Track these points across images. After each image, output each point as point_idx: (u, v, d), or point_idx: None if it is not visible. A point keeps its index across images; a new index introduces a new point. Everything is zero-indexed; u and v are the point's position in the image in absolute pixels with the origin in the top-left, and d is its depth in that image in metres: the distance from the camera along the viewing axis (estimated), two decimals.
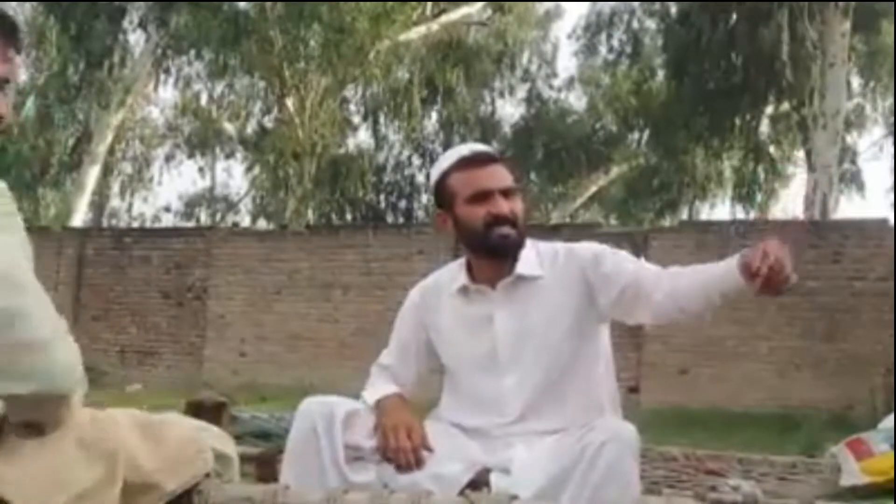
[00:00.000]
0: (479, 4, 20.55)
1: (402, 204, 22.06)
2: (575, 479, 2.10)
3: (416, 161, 22.31)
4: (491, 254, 2.50)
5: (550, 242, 2.61)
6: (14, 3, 17.09)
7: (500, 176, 2.49)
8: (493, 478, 2.26)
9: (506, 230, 2.45)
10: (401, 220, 21.00)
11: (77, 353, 1.50)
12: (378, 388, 2.59)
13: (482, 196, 2.46)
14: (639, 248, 10.92)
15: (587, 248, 2.53)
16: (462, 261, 2.60)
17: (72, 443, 1.53)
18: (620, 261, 2.47)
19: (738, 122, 16.72)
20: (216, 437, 1.83)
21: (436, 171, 2.58)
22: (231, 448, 1.85)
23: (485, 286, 2.53)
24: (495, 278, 2.51)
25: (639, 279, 2.41)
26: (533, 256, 2.53)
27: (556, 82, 23.75)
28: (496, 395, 2.46)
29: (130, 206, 24.63)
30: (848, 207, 28.89)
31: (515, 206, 2.47)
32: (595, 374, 2.49)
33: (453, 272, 2.60)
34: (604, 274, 2.45)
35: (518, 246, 2.49)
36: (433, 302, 2.62)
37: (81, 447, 1.52)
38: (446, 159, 2.56)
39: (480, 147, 2.62)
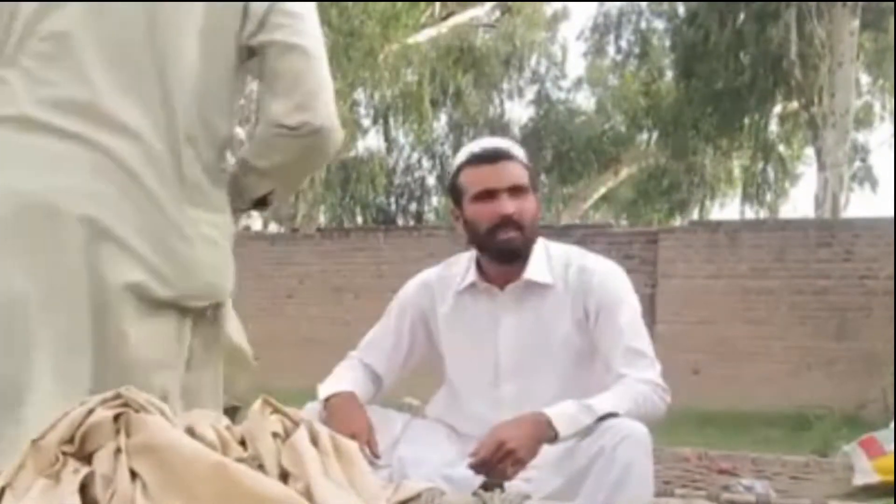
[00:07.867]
0: (488, 6, 20.56)
1: (413, 207, 22.06)
2: (591, 478, 2.09)
3: (427, 163, 22.31)
4: (495, 257, 2.43)
5: (564, 245, 2.53)
6: None
7: (509, 174, 2.39)
8: None
9: (510, 233, 2.37)
10: (412, 222, 20.99)
11: None
12: (334, 383, 2.56)
13: (488, 195, 2.38)
14: (649, 248, 10.92)
15: (602, 281, 2.42)
16: (472, 254, 2.52)
17: None
18: (620, 325, 2.37)
19: (746, 121, 16.66)
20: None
21: (454, 167, 2.52)
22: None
23: (493, 286, 2.46)
24: (504, 280, 2.45)
25: (609, 356, 2.36)
26: (543, 260, 2.45)
27: (565, 83, 23.70)
28: (492, 402, 2.40)
29: None
30: (860, 205, 28.78)
31: (524, 204, 2.38)
32: (594, 380, 2.40)
33: (463, 266, 2.52)
34: (601, 326, 2.38)
35: (524, 249, 2.41)
36: (438, 295, 2.54)
37: None
38: (461, 155, 2.49)
39: (494, 142, 2.51)
